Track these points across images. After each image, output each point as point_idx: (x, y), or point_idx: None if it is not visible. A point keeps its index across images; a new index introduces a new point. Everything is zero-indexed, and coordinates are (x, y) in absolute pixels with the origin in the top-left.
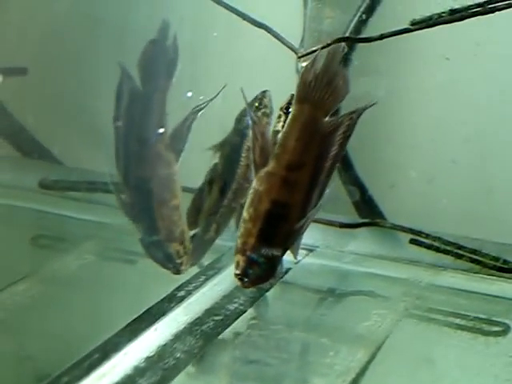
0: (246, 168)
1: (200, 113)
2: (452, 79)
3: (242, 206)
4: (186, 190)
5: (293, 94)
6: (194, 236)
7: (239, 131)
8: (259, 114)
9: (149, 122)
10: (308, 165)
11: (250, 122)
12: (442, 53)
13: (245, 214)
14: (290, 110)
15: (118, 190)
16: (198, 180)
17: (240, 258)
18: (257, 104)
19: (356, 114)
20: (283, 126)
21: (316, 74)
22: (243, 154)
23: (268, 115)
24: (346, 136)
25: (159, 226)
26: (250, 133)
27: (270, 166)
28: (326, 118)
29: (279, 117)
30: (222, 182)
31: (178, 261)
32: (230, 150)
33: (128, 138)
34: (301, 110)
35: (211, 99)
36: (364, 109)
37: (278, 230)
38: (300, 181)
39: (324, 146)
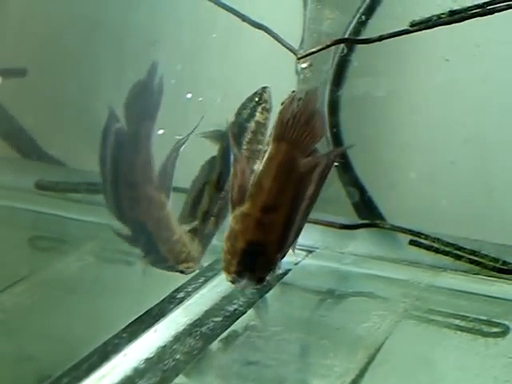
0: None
1: (182, 148)
2: (452, 80)
3: None
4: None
5: (294, 91)
6: (193, 231)
7: (239, 124)
8: (259, 108)
9: (136, 166)
10: (284, 206)
11: (232, 157)
12: (442, 54)
13: (224, 245)
14: None
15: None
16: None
17: (227, 275)
18: (257, 99)
19: (333, 155)
20: None
21: (294, 113)
22: (244, 147)
23: (268, 110)
24: (323, 176)
25: (166, 257)
26: (231, 169)
27: (246, 206)
28: (303, 158)
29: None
30: (220, 175)
31: (189, 270)
32: (228, 142)
33: (117, 182)
34: (278, 148)
35: (190, 133)
36: (342, 150)
37: (255, 263)
38: (275, 222)
39: (300, 187)
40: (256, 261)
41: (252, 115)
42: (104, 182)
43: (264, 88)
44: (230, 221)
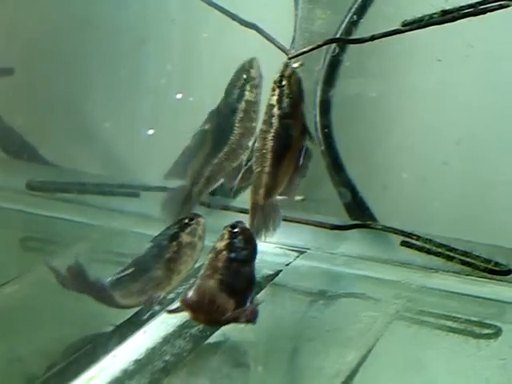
0: (241, 136)
1: None
2: (444, 81)
3: (234, 169)
4: None
5: (286, 63)
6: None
7: (229, 104)
8: (248, 87)
9: None
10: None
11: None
12: (434, 54)
13: None
14: (284, 82)
15: None
16: None
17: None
18: (244, 76)
19: (248, 312)
20: (277, 99)
21: (197, 299)
22: (236, 125)
23: (257, 86)
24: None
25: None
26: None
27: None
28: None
29: (273, 90)
30: (214, 139)
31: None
32: (223, 116)
33: None
34: (196, 318)
35: None
36: (257, 305)
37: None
38: None
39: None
40: None
41: (242, 95)
42: None
43: (250, 62)
44: None
